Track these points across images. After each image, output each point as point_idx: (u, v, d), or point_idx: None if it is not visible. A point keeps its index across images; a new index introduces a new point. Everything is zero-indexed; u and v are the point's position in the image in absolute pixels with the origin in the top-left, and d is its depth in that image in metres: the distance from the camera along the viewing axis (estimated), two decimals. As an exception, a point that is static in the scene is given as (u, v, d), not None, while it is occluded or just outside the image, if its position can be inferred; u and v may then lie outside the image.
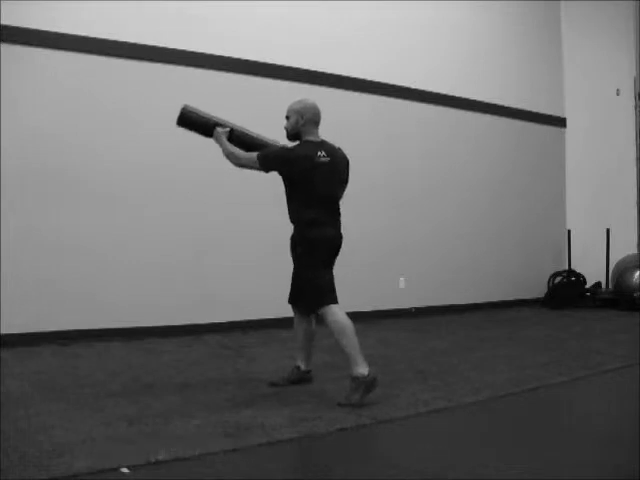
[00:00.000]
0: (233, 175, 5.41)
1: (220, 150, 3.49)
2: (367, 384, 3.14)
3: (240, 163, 3.43)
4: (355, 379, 3.15)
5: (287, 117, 3.45)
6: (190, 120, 3.53)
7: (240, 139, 3.49)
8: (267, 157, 3.37)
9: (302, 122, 3.38)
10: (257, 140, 3.52)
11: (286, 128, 3.46)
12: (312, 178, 3.30)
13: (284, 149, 3.41)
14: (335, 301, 3.29)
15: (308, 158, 3.30)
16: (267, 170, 3.40)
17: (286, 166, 3.34)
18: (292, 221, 3.43)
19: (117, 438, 2.58)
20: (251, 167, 3.42)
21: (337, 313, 3.23)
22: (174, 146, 5.31)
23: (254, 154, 3.38)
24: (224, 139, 3.46)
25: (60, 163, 4.88)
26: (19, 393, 3.29)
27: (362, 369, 3.16)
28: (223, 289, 5.56)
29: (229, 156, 3.45)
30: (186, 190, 5.40)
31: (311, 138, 3.39)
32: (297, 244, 3.40)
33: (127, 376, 3.75)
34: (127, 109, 5.17)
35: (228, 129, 3.49)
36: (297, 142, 3.44)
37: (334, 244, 3.41)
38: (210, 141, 3.54)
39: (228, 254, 5.58)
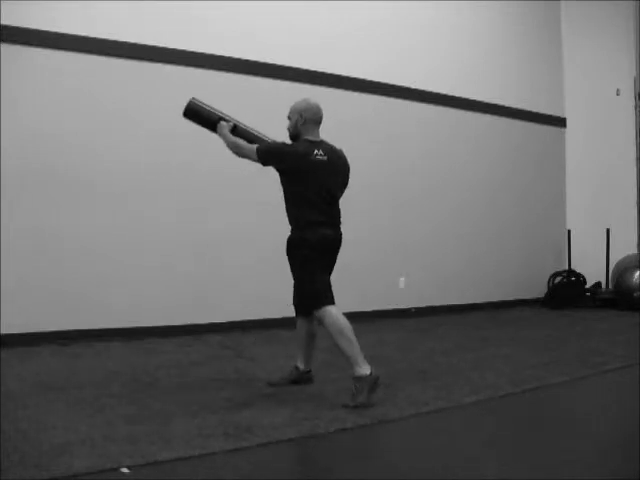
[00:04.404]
0: (233, 175, 5.45)
1: (223, 143, 3.51)
2: (370, 384, 3.13)
3: (242, 153, 3.44)
4: (358, 380, 3.14)
5: (289, 117, 3.48)
6: (197, 112, 3.60)
7: (242, 135, 3.52)
8: (266, 150, 3.40)
9: (302, 122, 3.40)
10: (259, 138, 3.55)
11: (288, 129, 3.49)
12: (307, 176, 3.32)
13: (282, 144, 3.44)
14: (332, 302, 3.28)
15: (304, 155, 3.32)
16: (265, 163, 3.41)
17: (282, 161, 3.36)
18: (290, 222, 3.44)
19: (117, 438, 2.58)
20: (251, 158, 3.43)
21: (334, 314, 3.22)
22: (174, 146, 5.32)
23: (254, 146, 3.41)
24: (227, 131, 3.49)
25: (60, 163, 4.88)
26: (19, 393, 3.29)
27: (364, 369, 3.15)
28: (223, 289, 5.56)
29: (231, 145, 3.47)
30: (186, 190, 5.40)
31: (310, 137, 3.40)
32: (294, 246, 3.40)
33: (127, 376, 3.75)
34: (127, 109, 5.17)
35: (232, 124, 3.53)
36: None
37: (332, 246, 3.42)
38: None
39: (228, 254, 5.58)
